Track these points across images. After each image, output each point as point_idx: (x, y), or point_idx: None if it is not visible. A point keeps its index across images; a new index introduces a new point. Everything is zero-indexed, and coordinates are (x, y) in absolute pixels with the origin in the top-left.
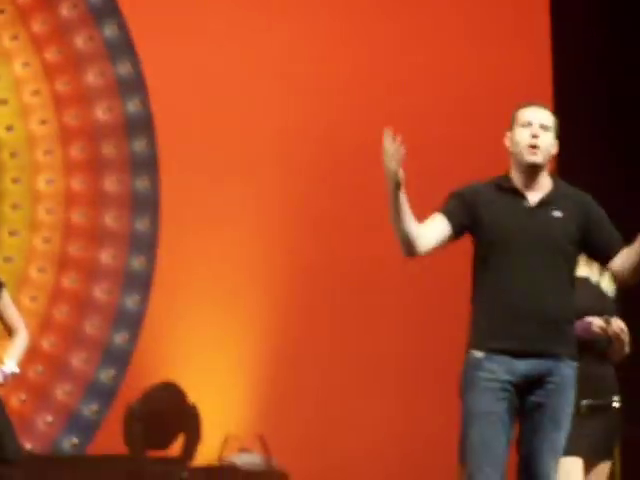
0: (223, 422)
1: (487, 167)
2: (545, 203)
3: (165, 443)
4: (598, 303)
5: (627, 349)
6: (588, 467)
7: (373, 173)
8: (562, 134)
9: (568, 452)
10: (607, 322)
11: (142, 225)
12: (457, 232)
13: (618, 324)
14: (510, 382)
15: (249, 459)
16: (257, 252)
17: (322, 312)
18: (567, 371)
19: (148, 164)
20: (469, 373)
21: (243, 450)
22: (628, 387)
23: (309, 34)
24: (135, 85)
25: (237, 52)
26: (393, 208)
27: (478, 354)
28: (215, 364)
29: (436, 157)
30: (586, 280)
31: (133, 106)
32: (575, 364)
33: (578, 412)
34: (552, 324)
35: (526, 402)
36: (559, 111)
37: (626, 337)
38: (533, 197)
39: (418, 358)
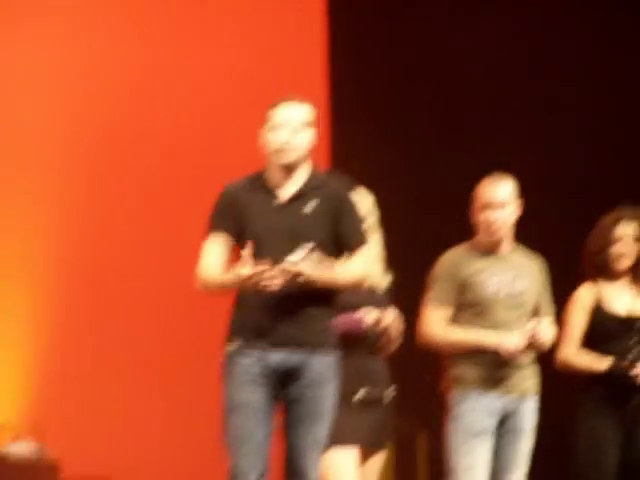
0: None
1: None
2: (296, 198)
3: None
4: (369, 297)
5: (397, 343)
6: (362, 458)
7: (160, 166)
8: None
9: (342, 443)
10: (379, 316)
11: None
12: (236, 238)
13: (390, 317)
14: (265, 374)
15: (22, 448)
16: (28, 239)
17: (97, 300)
18: (323, 363)
19: None
20: (226, 366)
21: (17, 439)
22: (398, 381)
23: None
24: None
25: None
26: (226, 289)
27: (233, 347)
28: None
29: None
30: None
31: None
32: (332, 356)
33: (351, 404)
34: (306, 316)
35: (284, 395)
36: (335, 104)
37: (397, 330)
38: (285, 193)
39: (189, 347)
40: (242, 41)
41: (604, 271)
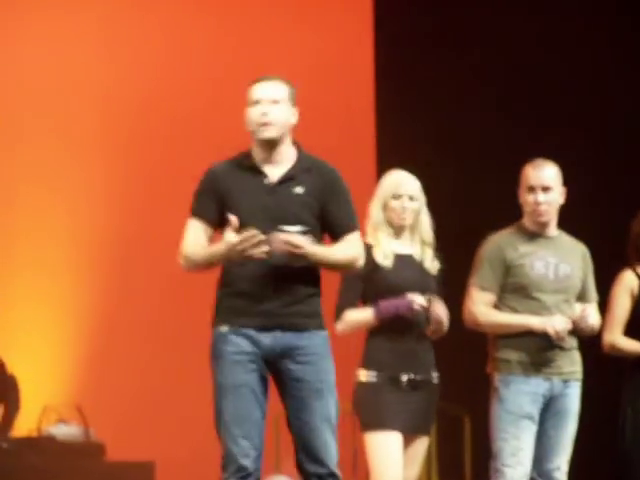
0: (41, 393)
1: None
2: (286, 179)
3: None
4: (420, 280)
5: (445, 329)
6: (407, 441)
7: (192, 146)
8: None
9: (388, 427)
10: (429, 301)
11: None
12: (216, 226)
13: (438, 302)
14: (257, 355)
15: (67, 430)
16: (74, 224)
17: (141, 284)
18: (316, 342)
19: None
20: (216, 347)
21: (61, 421)
22: (443, 364)
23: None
24: None
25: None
26: (213, 261)
27: (223, 328)
28: (33, 335)
29: None
30: (410, 257)
31: None
32: (324, 333)
33: (398, 388)
34: (296, 298)
35: (283, 379)
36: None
37: (444, 316)
38: (274, 173)
39: None
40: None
41: None
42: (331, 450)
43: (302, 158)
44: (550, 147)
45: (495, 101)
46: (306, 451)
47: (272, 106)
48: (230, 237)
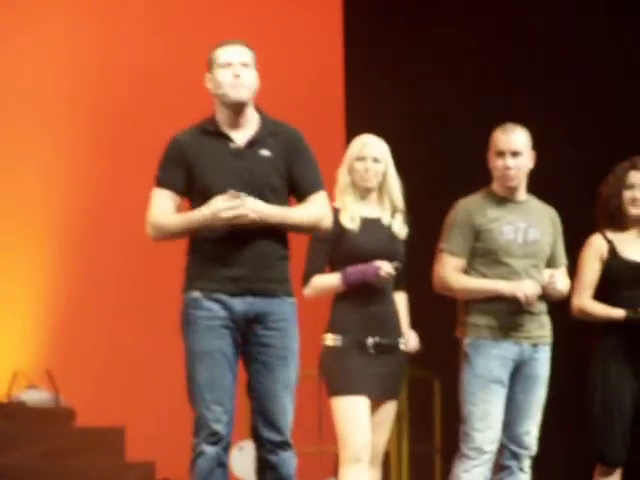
0: (11, 359)
1: None
2: (253, 143)
3: None
4: (388, 244)
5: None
6: (376, 406)
7: (159, 116)
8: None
9: (355, 391)
10: (396, 269)
11: None
12: (183, 195)
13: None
14: (230, 319)
15: (37, 396)
16: (43, 194)
17: (110, 248)
18: (285, 308)
19: None
20: (188, 313)
21: (31, 387)
22: (413, 328)
23: None
24: None
25: None
26: (191, 228)
27: (195, 294)
28: (2, 301)
29: None
30: (377, 221)
31: None
32: (292, 300)
33: (365, 352)
34: (266, 263)
35: (250, 343)
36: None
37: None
38: (240, 137)
39: None
40: None
41: (616, 217)
42: (288, 418)
43: (265, 122)
44: (521, 112)
45: (466, 65)
46: (264, 416)
47: (243, 69)
48: (217, 202)
